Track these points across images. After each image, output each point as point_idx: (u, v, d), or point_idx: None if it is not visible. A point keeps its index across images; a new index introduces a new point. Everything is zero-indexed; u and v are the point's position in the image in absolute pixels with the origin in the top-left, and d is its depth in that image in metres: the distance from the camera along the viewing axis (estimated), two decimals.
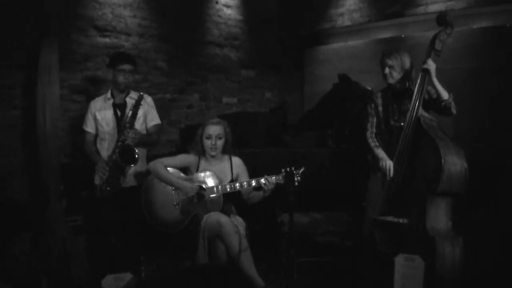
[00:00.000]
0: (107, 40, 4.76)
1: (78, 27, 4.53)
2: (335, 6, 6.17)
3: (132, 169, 3.73)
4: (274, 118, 5.83)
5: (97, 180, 3.70)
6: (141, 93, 3.70)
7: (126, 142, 3.55)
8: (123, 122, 3.64)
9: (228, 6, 6.07)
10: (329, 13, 6.22)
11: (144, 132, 3.84)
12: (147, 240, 3.81)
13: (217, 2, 5.90)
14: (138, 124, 3.76)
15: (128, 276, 2.90)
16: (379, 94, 3.59)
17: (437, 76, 3.25)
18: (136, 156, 3.57)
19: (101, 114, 3.79)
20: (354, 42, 5.95)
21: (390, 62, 3.43)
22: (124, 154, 3.55)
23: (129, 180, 3.78)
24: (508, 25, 4.73)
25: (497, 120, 4.72)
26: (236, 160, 3.79)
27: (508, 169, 4.18)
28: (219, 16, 5.95)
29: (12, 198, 4.00)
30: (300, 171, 3.33)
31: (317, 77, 6.40)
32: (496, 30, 4.81)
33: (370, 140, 3.54)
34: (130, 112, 3.62)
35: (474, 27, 4.98)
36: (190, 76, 5.64)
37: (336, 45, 6.22)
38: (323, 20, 6.30)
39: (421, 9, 5.29)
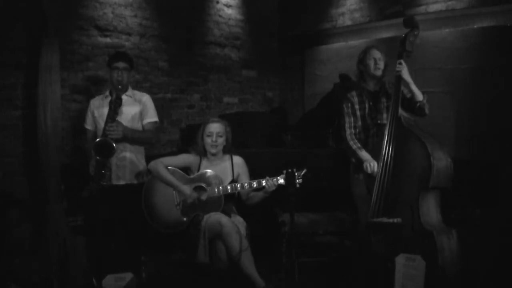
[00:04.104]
0: (108, 40, 4.76)
1: (79, 27, 4.53)
2: (335, 5, 6.16)
3: (129, 168, 3.78)
4: (275, 118, 5.85)
5: (92, 171, 3.71)
6: (116, 94, 3.68)
7: (109, 136, 3.54)
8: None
9: (228, 6, 6.07)
10: (330, 12, 6.21)
11: (140, 129, 3.86)
12: (147, 240, 3.81)
13: (217, 2, 5.91)
14: (133, 122, 3.81)
15: (129, 276, 2.91)
16: (354, 93, 3.65)
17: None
18: (113, 149, 3.52)
19: (98, 112, 3.82)
20: (354, 42, 5.94)
21: (379, 54, 3.56)
22: (99, 148, 3.53)
23: (127, 178, 3.80)
24: (508, 25, 4.72)
25: (497, 120, 4.72)
26: (237, 160, 3.79)
27: (508, 168, 4.18)
28: (220, 16, 5.95)
29: (12, 198, 4.01)
30: (302, 173, 3.33)
31: (317, 77, 6.39)
32: (497, 30, 4.81)
33: (351, 143, 3.55)
34: (112, 107, 3.63)
35: (475, 27, 4.98)
36: (191, 76, 5.64)
37: (337, 45, 6.21)
38: (323, 20, 6.29)
39: (421, 9, 5.29)
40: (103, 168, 3.60)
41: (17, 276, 3.60)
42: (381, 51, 3.58)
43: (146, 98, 3.92)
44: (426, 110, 3.39)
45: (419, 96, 3.37)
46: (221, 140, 3.69)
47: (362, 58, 3.60)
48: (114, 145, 3.52)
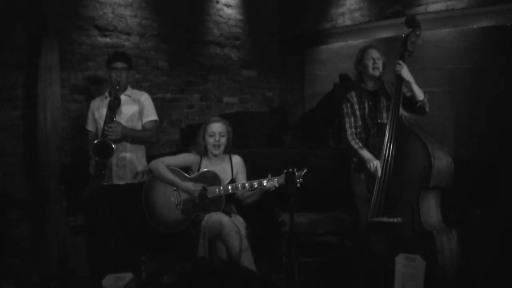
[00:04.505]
0: (107, 40, 4.76)
1: (79, 27, 4.53)
2: (335, 5, 6.16)
3: (129, 167, 3.79)
4: (275, 118, 5.84)
5: (92, 171, 3.73)
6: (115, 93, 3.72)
7: (108, 136, 3.57)
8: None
9: (228, 6, 6.07)
10: (330, 12, 6.22)
11: (139, 128, 3.87)
12: (147, 240, 3.81)
13: (217, 2, 5.91)
14: (132, 122, 3.82)
15: (128, 276, 2.90)
16: (353, 94, 3.64)
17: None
18: (112, 149, 3.56)
19: (98, 113, 3.84)
20: (354, 42, 5.94)
21: (377, 54, 3.55)
22: (98, 149, 3.56)
23: (128, 177, 3.80)
24: (508, 24, 4.73)
25: (497, 120, 4.72)
26: (236, 159, 3.79)
27: (508, 168, 4.19)
28: (220, 16, 5.95)
29: (12, 198, 4.01)
30: (303, 173, 3.32)
31: (317, 77, 6.39)
32: (496, 30, 4.81)
33: (352, 142, 3.53)
34: (110, 107, 3.66)
35: (474, 26, 4.98)
36: (191, 76, 5.64)
37: (337, 45, 6.22)
38: (323, 19, 6.30)
39: (421, 9, 5.29)
40: (103, 168, 3.62)
41: (17, 276, 3.60)
42: (379, 50, 3.57)
43: (145, 97, 3.92)
44: (427, 109, 3.39)
45: (420, 95, 3.36)
46: (223, 140, 3.69)
47: (360, 58, 3.59)
48: (113, 146, 3.54)
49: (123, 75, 3.79)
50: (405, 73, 3.32)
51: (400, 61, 3.33)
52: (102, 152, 3.55)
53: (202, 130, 3.73)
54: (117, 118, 3.69)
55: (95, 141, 3.58)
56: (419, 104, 3.36)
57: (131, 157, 3.81)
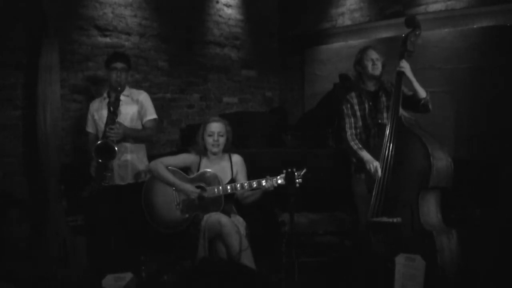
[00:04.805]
0: (107, 40, 4.76)
1: (79, 27, 4.53)
2: (335, 5, 6.17)
3: (131, 168, 3.80)
4: (275, 118, 5.85)
5: (93, 172, 3.73)
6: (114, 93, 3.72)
7: (110, 138, 3.56)
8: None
9: (228, 6, 6.07)
10: (330, 12, 6.22)
11: (139, 128, 3.87)
12: (147, 240, 3.81)
13: (217, 2, 5.91)
14: (132, 121, 3.82)
15: (128, 276, 2.90)
16: (353, 94, 3.64)
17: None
18: (115, 151, 3.55)
19: (98, 114, 3.84)
20: (354, 42, 5.94)
21: (376, 55, 3.55)
22: (100, 150, 3.54)
23: (130, 178, 3.80)
24: (508, 24, 4.73)
25: (497, 120, 4.72)
26: (236, 158, 3.79)
27: (508, 168, 4.19)
28: (220, 16, 5.96)
29: (12, 198, 4.01)
30: (302, 173, 3.33)
31: (317, 77, 6.39)
32: (496, 30, 4.81)
33: (352, 143, 3.54)
34: (111, 109, 3.64)
35: (474, 26, 4.99)
36: (191, 76, 5.64)
37: (337, 45, 6.22)
38: (323, 19, 6.30)
39: (421, 9, 5.29)
40: (105, 170, 3.61)
41: (17, 276, 3.60)
42: (378, 51, 3.57)
43: (143, 96, 3.92)
44: (430, 106, 3.40)
45: (423, 93, 3.36)
46: (222, 140, 3.69)
47: (359, 59, 3.59)
48: (116, 148, 3.53)
49: (122, 75, 3.78)
50: (408, 71, 3.32)
51: (404, 60, 3.33)
52: (105, 154, 3.54)
53: (201, 129, 3.74)
54: (117, 119, 3.69)
55: (97, 143, 3.57)
56: (422, 102, 3.36)
57: (132, 158, 3.82)
